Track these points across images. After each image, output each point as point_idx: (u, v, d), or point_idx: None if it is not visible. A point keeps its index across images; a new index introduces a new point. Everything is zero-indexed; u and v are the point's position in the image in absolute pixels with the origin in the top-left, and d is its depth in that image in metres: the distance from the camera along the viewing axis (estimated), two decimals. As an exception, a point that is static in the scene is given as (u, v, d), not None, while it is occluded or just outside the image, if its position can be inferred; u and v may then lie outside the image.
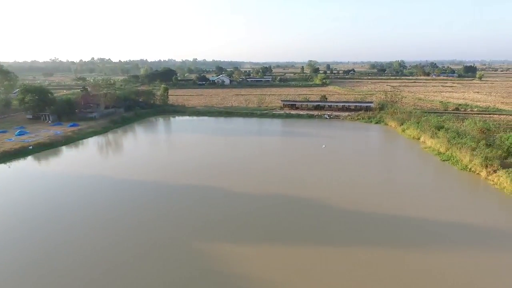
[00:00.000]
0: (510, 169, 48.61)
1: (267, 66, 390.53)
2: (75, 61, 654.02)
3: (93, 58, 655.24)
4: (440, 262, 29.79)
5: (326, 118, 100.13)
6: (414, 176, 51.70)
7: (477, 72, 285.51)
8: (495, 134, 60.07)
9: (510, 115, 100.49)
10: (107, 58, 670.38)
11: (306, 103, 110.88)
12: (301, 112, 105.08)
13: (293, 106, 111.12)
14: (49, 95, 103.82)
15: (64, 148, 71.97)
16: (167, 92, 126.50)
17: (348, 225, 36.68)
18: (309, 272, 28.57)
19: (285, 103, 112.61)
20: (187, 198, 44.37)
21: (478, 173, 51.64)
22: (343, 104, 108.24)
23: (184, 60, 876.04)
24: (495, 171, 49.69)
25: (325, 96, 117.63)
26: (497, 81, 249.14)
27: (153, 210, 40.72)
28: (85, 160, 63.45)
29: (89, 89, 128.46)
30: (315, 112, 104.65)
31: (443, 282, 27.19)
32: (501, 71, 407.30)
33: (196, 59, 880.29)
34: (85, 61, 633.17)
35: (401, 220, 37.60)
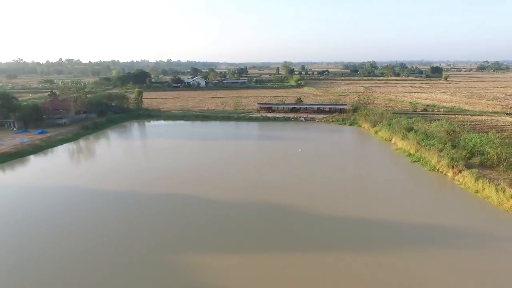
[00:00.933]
0: (474, 169, 51.63)
1: (243, 67, 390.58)
2: (41, 62, 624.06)
3: (60, 59, 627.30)
4: (407, 264, 31.16)
5: (302, 120, 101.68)
6: (386, 179, 53.64)
7: (443, 73, 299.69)
8: (460, 135, 63.41)
9: (473, 115, 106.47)
10: (76, 59, 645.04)
11: (282, 106, 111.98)
12: (278, 115, 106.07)
13: (269, 109, 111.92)
14: (14, 100, 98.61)
15: (31, 157, 68.56)
16: (141, 96, 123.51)
17: (320, 230, 37.50)
18: (289, 281, 29.00)
19: (262, 106, 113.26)
20: (162, 207, 43.63)
21: (445, 174, 54.39)
22: (318, 106, 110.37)
23: (158, 61, 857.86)
24: (460, 172, 52.54)
25: (300, 98, 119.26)
26: (461, 81, 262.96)
27: (127, 221, 39.71)
28: (54, 170, 60.73)
29: (57, 93, 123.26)
30: (291, 115, 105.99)
31: (412, 284, 28.47)
32: (464, 71, 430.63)
33: (170, 60, 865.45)
34: (52, 62, 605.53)
35: (372, 223, 38.91)
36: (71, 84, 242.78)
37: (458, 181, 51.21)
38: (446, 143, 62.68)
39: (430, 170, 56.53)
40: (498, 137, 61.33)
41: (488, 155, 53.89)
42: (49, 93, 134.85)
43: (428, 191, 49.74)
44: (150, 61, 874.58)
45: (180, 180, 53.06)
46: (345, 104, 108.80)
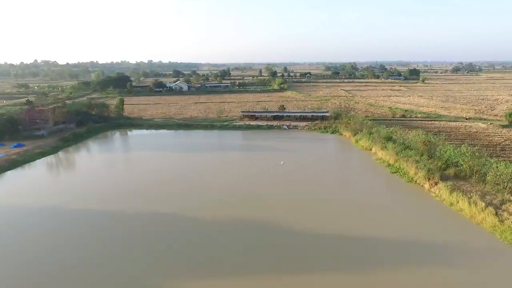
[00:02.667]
0: (449, 181, 54.04)
1: (226, 70, 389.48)
2: (14, 64, 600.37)
3: (36, 61, 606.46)
4: (383, 281, 32.52)
5: (285, 128, 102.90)
6: (365, 192, 55.25)
7: (421, 75, 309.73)
8: (435, 146, 66.07)
9: (448, 121, 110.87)
10: (53, 61, 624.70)
11: (265, 114, 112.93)
12: (261, 123, 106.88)
13: (252, 117, 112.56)
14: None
15: (8, 174, 66.40)
16: (123, 104, 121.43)
17: (299, 248, 38.41)
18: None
19: (245, 113, 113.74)
20: (143, 227, 43.42)
21: (422, 185, 56.63)
22: (300, 114, 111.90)
23: (138, 62, 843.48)
24: (436, 184, 54.88)
25: (283, 106, 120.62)
26: (437, 83, 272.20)
27: (105, 244, 39.35)
28: (32, 188, 59.00)
29: (34, 101, 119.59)
30: (274, 123, 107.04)
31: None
32: (441, 72, 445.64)
33: (151, 61, 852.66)
34: (26, 64, 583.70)
35: (350, 240, 40.20)
36: (47, 89, 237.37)
37: (434, 193, 53.44)
38: (422, 154, 65.26)
39: (408, 181, 58.67)
40: (472, 144, 64.25)
41: (462, 167, 56.47)
42: (25, 101, 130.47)
43: (406, 204, 51.60)
44: (130, 62, 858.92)
45: (162, 197, 52.90)
46: (327, 111, 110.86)
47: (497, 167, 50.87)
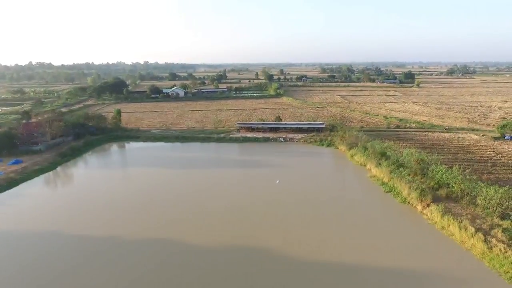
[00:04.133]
0: (440, 204, 55.51)
1: (222, 73, 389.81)
2: (9, 65, 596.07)
3: (31, 62, 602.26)
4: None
5: (281, 141, 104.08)
6: (359, 215, 56.45)
7: (416, 79, 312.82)
8: (429, 164, 67.58)
9: (442, 132, 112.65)
10: (48, 62, 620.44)
11: (262, 125, 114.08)
12: (258, 135, 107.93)
13: (249, 128, 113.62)
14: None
15: (7, 195, 66.77)
16: (120, 115, 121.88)
17: (294, 276, 39.61)
18: None
19: (242, 125, 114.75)
20: (143, 255, 44.31)
21: (415, 206, 58.08)
22: (296, 126, 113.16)
23: (134, 63, 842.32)
24: (428, 205, 56.35)
25: (279, 117, 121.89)
26: (432, 88, 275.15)
27: (102, 272, 40.28)
28: (29, 211, 59.41)
29: (30, 112, 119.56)
30: (271, 135, 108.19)
31: None
32: (436, 75, 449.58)
33: (147, 62, 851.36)
34: (21, 66, 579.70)
35: (343, 267, 41.56)
36: (43, 94, 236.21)
37: (427, 215, 54.90)
38: (416, 173, 66.79)
39: (401, 202, 60.09)
40: (464, 159, 65.53)
41: (453, 188, 57.98)
42: (22, 112, 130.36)
43: (399, 228, 52.72)
44: (126, 63, 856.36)
45: (159, 221, 53.90)
46: (322, 124, 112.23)
47: (486, 191, 52.35)
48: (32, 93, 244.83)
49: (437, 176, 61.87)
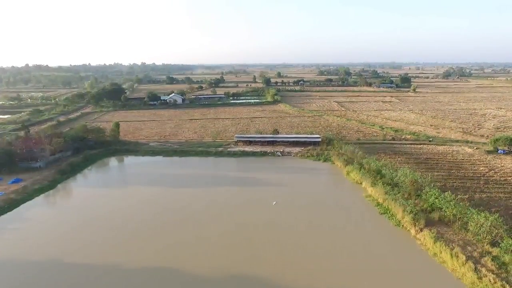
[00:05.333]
0: (433, 229, 57.13)
1: (219, 78, 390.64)
2: (5, 67, 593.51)
3: (27, 65, 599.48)
4: None
5: (279, 155, 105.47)
6: (353, 238, 57.92)
7: (412, 84, 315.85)
8: (423, 186, 69.24)
9: (437, 145, 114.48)
10: (44, 64, 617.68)
11: (260, 139, 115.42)
12: (255, 149, 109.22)
13: (247, 142, 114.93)
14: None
15: (7, 218, 67.43)
16: (118, 127, 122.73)
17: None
18: None
19: (240, 139, 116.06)
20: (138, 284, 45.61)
21: (408, 230, 59.65)
22: (293, 139, 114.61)
23: (132, 64, 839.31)
24: (421, 230, 57.95)
25: (277, 129, 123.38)
26: (428, 93, 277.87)
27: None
28: (29, 236, 59.91)
29: (30, 129, 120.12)
30: (268, 148, 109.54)
31: None
32: (432, 78, 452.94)
33: (144, 63, 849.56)
34: (18, 68, 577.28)
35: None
36: (40, 101, 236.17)
37: (420, 240, 56.47)
38: (410, 194, 68.46)
39: (395, 225, 61.62)
40: (458, 176, 66.78)
41: (445, 213, 59.61)
42: (21, 126, 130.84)
43: (392, 254, 54.00)
44: (123, 64, 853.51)
45: (157, 247, 55.03)
46: (319, 137, 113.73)
47: (477, 217, 53.98)
48: (29, 99, 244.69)
49: (430, 199, 63.49)
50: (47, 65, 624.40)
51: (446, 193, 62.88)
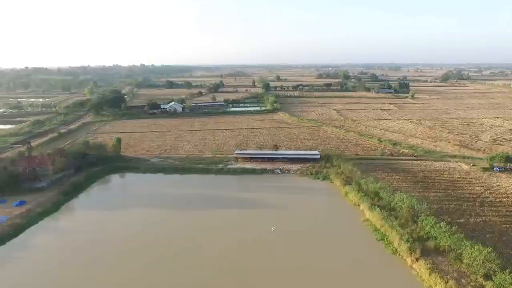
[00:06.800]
0: (429, 259, 58.82)
1: (218, 82, 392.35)
2: (5, 69, 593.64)
3: (27, 67, 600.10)
4: None
5: (278, 173, 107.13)
6: (349, 267, 59.67)
7: (410, 89, 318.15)
8: (419, 213, 70.90)
9: (434, 161, 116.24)
10: (44, 67, 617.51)
11: (260, 155, 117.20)
12: (255, 166, 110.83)
13: (247, 158, 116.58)
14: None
15: (11, 245, 68.46)
16: (120, 143, 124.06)
17: None
18: None
19: (240, 155, 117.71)
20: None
21: (405, 259, 61.32)
22: (293, 156, 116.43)
23: (131, 65, 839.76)
24: (417, 260, 59.62)
25: (276, 145, 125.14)
26: (426, 99, 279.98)
27: None
28: (34, 268, 60.36)
29: (31, 146, 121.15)
30: (268, 165, 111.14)
31: None
32: (430, 81, 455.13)
33: (143, 64, 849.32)
34: (17, 70, 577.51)
35: None
36: (41, 109, 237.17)
37: (416, 270, 58.15)
38: (406, 220, 70.11)
39: (392, 253, 63.28)
40: (454, 197, 68.01)
41: (441, 242, 61.28)
42: (24, 142, 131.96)
43: (387, 284, 55.77)
44: (122, 65, 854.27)
45: (159, 280, 56.69)
46: (318, 154, 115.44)
47: (471, 251, 55.61)
48: (29, 107, 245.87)
49: (425, 228, 65.16)
50: (46, 68, 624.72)
51: (441, 223, 64.46)
